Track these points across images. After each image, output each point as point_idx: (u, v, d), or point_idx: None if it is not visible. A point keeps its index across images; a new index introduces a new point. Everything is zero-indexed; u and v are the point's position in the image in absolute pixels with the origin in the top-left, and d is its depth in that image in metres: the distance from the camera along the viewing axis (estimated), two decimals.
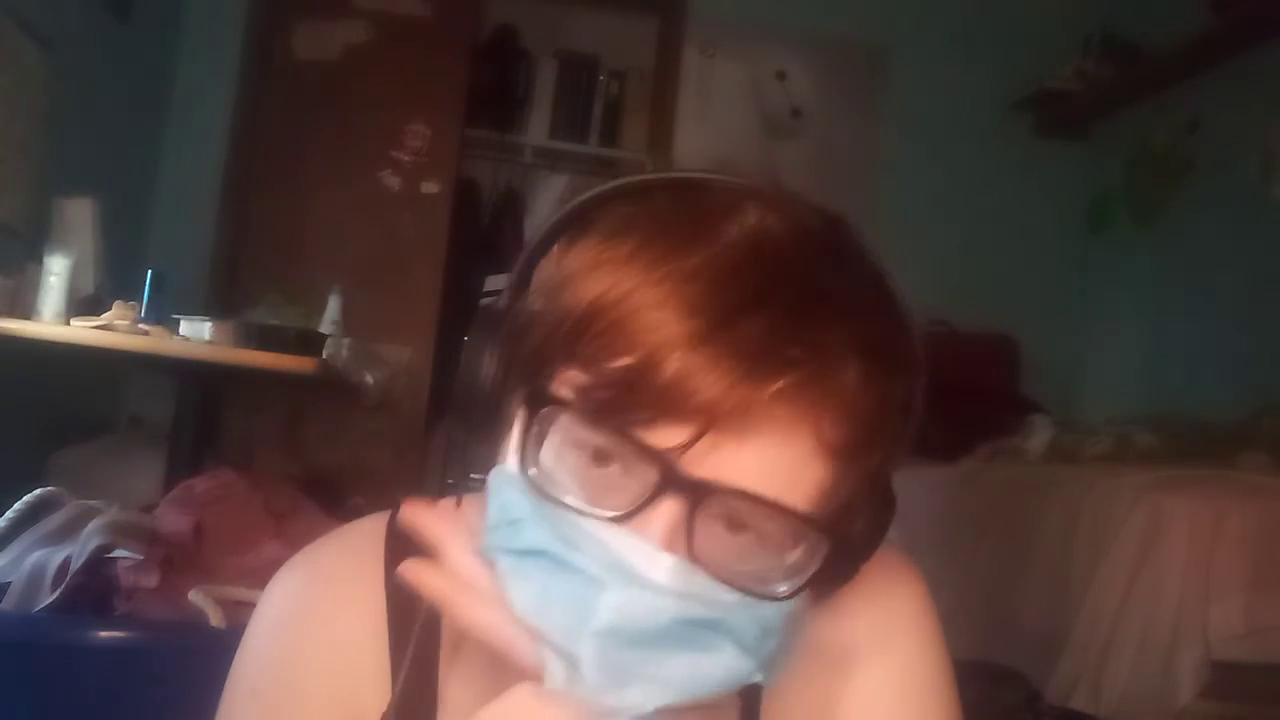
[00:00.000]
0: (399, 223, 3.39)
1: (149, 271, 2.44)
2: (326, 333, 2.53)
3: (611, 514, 0.48)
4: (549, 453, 0.50)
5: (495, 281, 3.43)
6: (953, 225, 3.67)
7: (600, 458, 0.49)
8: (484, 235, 3.76)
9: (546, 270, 0.54)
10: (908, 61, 3.74)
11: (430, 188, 3.42)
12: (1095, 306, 3.66)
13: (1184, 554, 1.74)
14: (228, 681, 0.63)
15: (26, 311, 2.11)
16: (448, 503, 0.56)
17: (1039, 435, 2.65)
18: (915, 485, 2.50)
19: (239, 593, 1.36)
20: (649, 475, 0.47)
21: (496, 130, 3.71)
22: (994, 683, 2.03)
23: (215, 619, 1.32)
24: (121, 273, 2.54)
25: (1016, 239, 3.74)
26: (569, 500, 0.49)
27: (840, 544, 0.51)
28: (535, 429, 0.50)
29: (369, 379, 2.65)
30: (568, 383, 0.50)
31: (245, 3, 3.44)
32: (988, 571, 2.25)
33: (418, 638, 0.58)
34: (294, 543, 1.43)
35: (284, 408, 3.19)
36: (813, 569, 0.50)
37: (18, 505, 1.50)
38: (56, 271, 2.11)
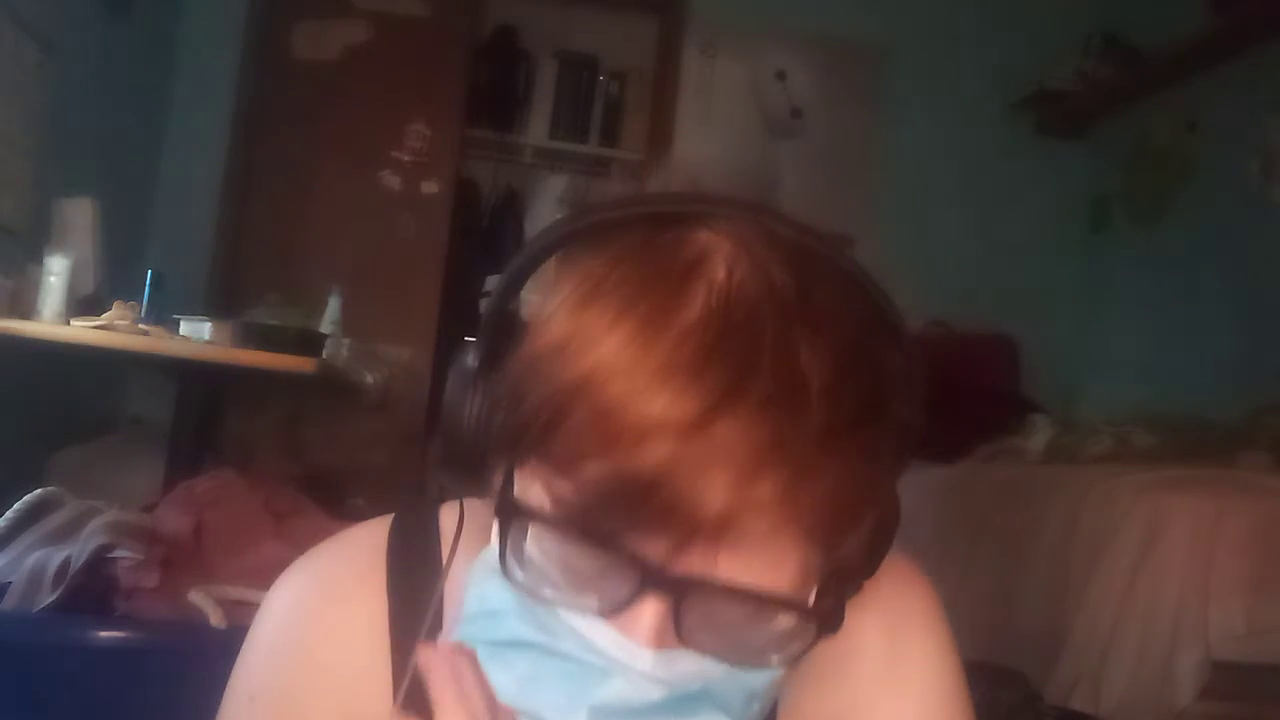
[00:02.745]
0: (399, 223, 3.39)
1: (149, 271, 2.44)
2: (326, 333, 2.53)
3: (596, 608, 0.48)
4: (530, 546, 0.49)
5: (495, 282, 3.45)
6: (953, 225, 3.67)
7: (579, 560, 0.48)
8: (484, 235, 3.76)
9: (517, 331, 0.52)
10: (908, 61, 3.74)
11: (430, 188, 3.42)
12: (1095, 306, 3.66)
13: (1184, 554, 1.74)
14: (227, 688, 0.62)
15: (26, 311, 2.11)
16: (449, 648, 0.53)
17: (1039, 435, 2.65)
18: (915, 485, 2.50)
19: (239, 593, 1.36)
20: (630, 576, 0.46)
21: (496, 130, 3.71)
22: (994, 683, 2.03)
23: (215, 619, 1.32)
24: (121, 273, 2.54)
25: (1016, 239, 3.74)
26: (552, 594, 0.49)
27: (834, 606, 0.51)
28: (510, 538, 0.49)
29: (369, 379, 2.66)
30: (539, 480, 0.48)
31: (245, 3, 3.44)
32: (987, 571, 2.25)
33: (418, 635, 0.57)
34: (294, 543, 1.43)
35: (284, 408, 3.19)
36: (806, 639, 0.50)
37: (18, 505, 1.50)
38: (56, 271, 2.11)
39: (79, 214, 2.40)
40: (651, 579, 0.46)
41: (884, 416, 0.49)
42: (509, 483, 0.50)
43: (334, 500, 2.22)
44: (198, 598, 1.34)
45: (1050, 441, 2.61)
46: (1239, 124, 2.98)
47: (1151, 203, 3.40)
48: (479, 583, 0.52)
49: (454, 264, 3.43)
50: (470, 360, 0.53)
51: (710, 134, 3.72)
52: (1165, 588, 1.74)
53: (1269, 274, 2.83)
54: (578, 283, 0.49)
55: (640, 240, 0.50)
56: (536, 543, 0.49)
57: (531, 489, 0.49)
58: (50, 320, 2.09)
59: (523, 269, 0.53)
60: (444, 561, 0.60)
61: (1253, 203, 2.91)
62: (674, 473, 0.44)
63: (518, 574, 0.49)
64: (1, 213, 2.40)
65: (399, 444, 3.28)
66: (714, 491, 0.44)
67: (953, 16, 3.72)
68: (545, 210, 3.79)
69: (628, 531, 0.46)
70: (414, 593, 0.60)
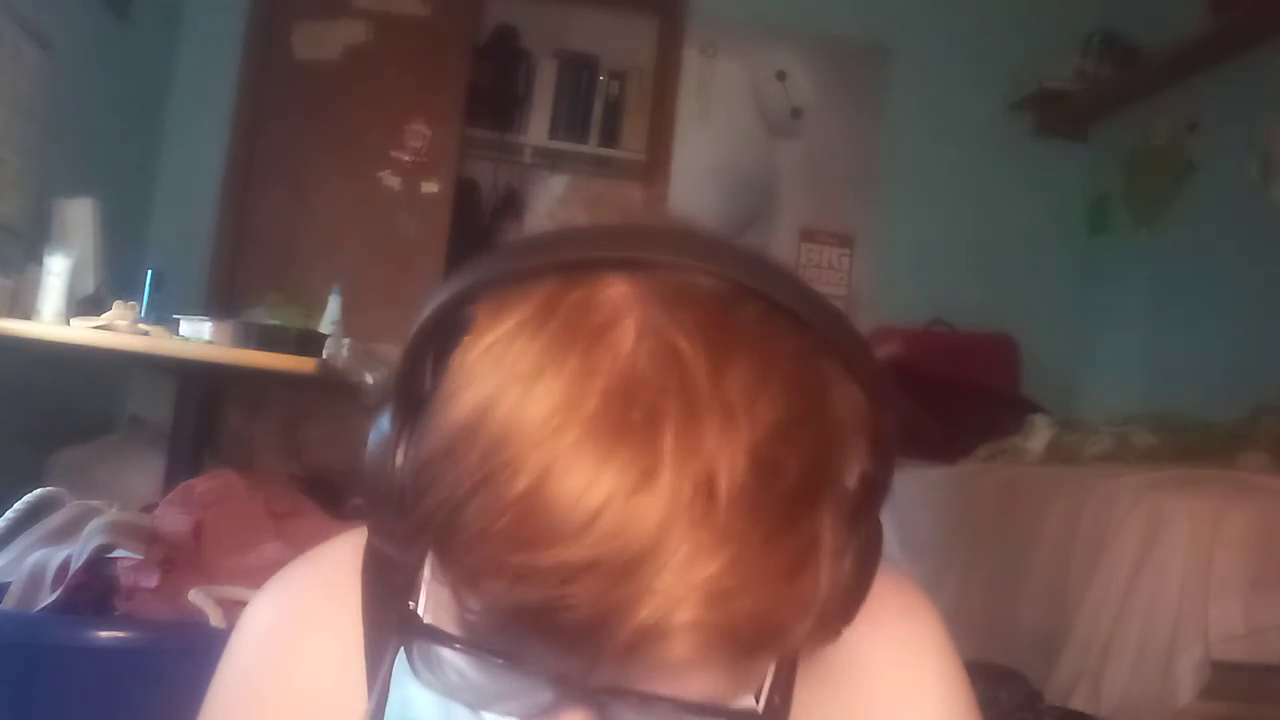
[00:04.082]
0: (399, 223, 3.39)
1: (149, 271, 2.45)
2: (326, 333, 2.53)
3: (518, 713, 0.45)
4: (442, 651, 0.46)
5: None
6: (953, 225, 3.67)
7: (492, 672, 0.45)
8: (484, 235, 3.76)
9: (425, 402, 0.47)
10: (908, 61, 3.74)
11: (430, 188, 3.42)
12: (1095, 306, 3.66)
13: (1184, 554, 1.74)
14: (200, 715, 0.61)
15: (26, 311, 2.11)
16: None
17: (1039, 435, 2.64)
18: (915, 485, 2.50)
19: (239, 593, 1.36)
20: (547, 687, 0.43)
21: (496, 130, 3.71)
22: (994, 683, 2.03)
23: (215, 619, 1.32)
24: (121, 273, 2.54)
25: (1016, 239, 3.74)
26: (470, 699, 0.46)
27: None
28: (417, 647, 0.46)
29: (369, 379, 2.65)
30: (447, 584, 0.45)
31: (245, 3, 3.44)
32: (988, 571, 2.25)
33: (388, 664, 0.56)
34: (294, 543, 1.43)
35: (284, 408, 3.18)
36: None
37: (18, 505, 1.50)
38: (56, 271, 2.11)
39: (79, 214, 2.40)
40: (569, 693, 0.43)
41: (821, 504, 0.43)
42: (408, 591, 0.47)
43: (334, 500, 2.21)
44: (198, 598, 1.34)
45: (1050, 441, 2.61)
46: (1239, 124, 2.98)
47: (1151, 203, 3.40)
48: (400, 685, 0.49)
49: (454, 264, 3.41)
50: (386, 426, 0.49)
51: (710, 134, 3.72)
52: (1165, 588, 1.74)
53: (1269, 274, 2.83)
54: (477, 356, 0.44)
55: (546, 301, 0.44)
56: (448, 649, 0.46)
57: (440, 591, 0.46)
58: (50, 320, 2.08)
59: (424, 331, 0.47)
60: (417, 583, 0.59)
61: (1253, 203, 2.91)
62: (574, 603, 0.40)
63: (431, 680, 0.46)
64: (1, 213, 2.41)
65: None
66: (619, 623, 0.40)
67: (952, 16, 3.72)
68: (545, 210, 3.79)
69: (535, 652, 0.42)
70: (388, 616, 0.58)
